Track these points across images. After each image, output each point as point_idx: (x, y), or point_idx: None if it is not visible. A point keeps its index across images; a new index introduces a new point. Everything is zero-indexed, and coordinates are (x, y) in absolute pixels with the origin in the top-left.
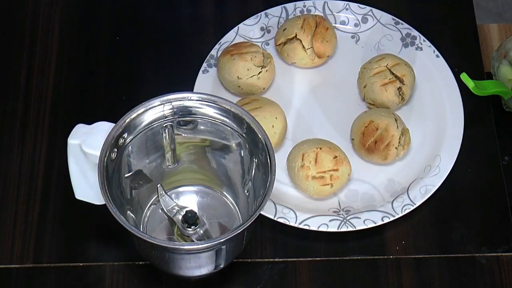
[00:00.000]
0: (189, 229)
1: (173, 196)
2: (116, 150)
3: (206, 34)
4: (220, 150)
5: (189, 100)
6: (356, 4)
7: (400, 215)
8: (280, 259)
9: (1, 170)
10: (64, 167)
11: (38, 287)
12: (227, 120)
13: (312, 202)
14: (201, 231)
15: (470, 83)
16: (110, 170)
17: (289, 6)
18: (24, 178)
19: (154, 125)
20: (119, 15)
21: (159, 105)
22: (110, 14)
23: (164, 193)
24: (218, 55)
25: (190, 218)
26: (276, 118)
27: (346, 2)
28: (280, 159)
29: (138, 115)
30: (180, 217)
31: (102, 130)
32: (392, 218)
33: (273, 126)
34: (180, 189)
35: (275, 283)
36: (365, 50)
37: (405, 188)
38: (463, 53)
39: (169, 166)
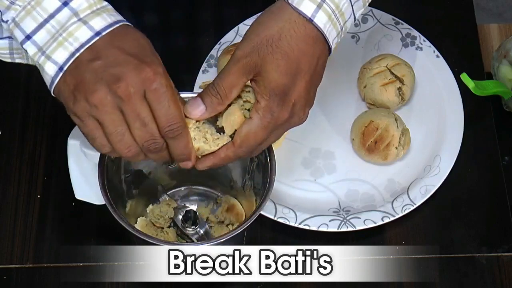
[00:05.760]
0: (189, 229)
1: (173, 196)
2: None
3: (206, 34)
4: None
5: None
6: None
7: (400, 215)
8: None
9: (1, 170)
10: (64, 167)
11: (38, 287)
12: None
13: (312, 202)
14: (201, 231)
15: (470, 83)
16: (110, 170)
17: None
18: (24, 178)
19: None
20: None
21: None
22: None
23: (164, 193)
24: (218, 55)
25: (190, 218)
26: None
27: None
28: (280, 159)
29: None
30: (180, 217)
31: None
32: (392, 218)
33: None
34: (180, 189)
35: (275, 283)
36: (365, 50)
37: (405, 188)
38: (463, 53)
39: (169, 166)
